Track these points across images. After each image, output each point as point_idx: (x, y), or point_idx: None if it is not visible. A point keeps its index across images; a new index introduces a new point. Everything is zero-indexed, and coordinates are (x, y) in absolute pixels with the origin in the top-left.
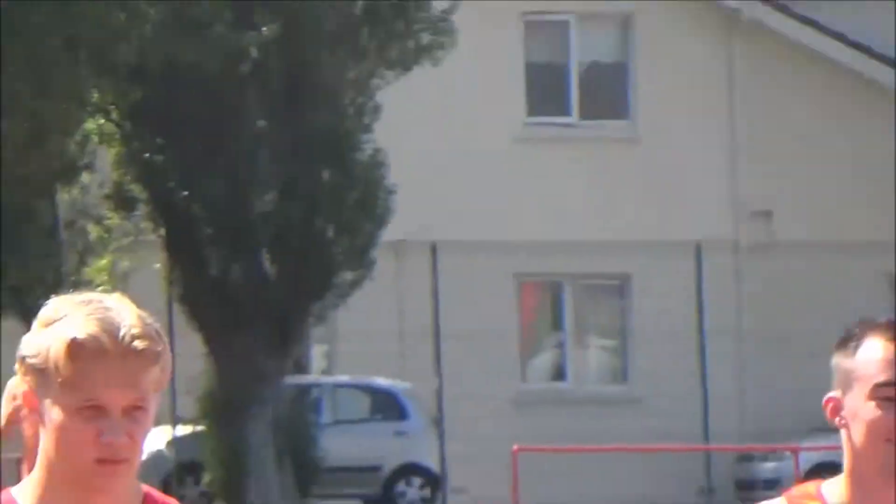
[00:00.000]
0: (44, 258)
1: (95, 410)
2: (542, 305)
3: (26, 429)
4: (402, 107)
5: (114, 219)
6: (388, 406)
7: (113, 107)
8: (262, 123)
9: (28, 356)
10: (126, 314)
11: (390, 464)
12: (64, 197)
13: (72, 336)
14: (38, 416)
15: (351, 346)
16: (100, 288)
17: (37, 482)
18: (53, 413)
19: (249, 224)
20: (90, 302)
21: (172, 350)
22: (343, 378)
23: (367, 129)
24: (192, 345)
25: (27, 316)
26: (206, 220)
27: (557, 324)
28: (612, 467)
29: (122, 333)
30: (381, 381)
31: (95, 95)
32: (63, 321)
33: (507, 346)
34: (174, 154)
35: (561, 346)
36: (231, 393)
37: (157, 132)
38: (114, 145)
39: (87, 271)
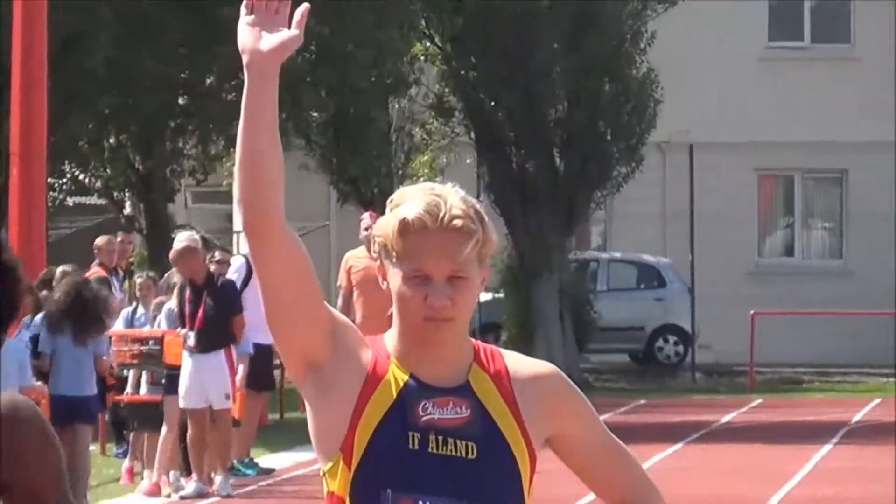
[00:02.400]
0: (378, 156)
1: (422, 278)
2: (776, 194)
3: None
4: (669, 32)
5: (434, 124)
6: (651, 277)
7: (437, 33)
8: (555, 46)
9: (376, 235)
10: (451, 198)
11: (652, 324)
12: (395, 106)
13: (402, 216)
14: (385, 284)
15: (622, 227)
16: (421, 180)
17: (394, 334)
18: (393, 281)
19: (544, 128)
20: (425, 189)
21: None
22: (616, 254)
23: (643, 51)
24: (495, 226)
25: (364, 202)
26: (509, 126)
27: (788, 209)
28: (831, 328)
29: (442, 213)
30: (647, 257)
31: (423, 24)
32: (402, 205)
33: (748, 227)
34: (485, 71)
35: (791, 227)
36: (525, 265)
37: (472, 53)
38: (436, 64)
39: (412, 166)
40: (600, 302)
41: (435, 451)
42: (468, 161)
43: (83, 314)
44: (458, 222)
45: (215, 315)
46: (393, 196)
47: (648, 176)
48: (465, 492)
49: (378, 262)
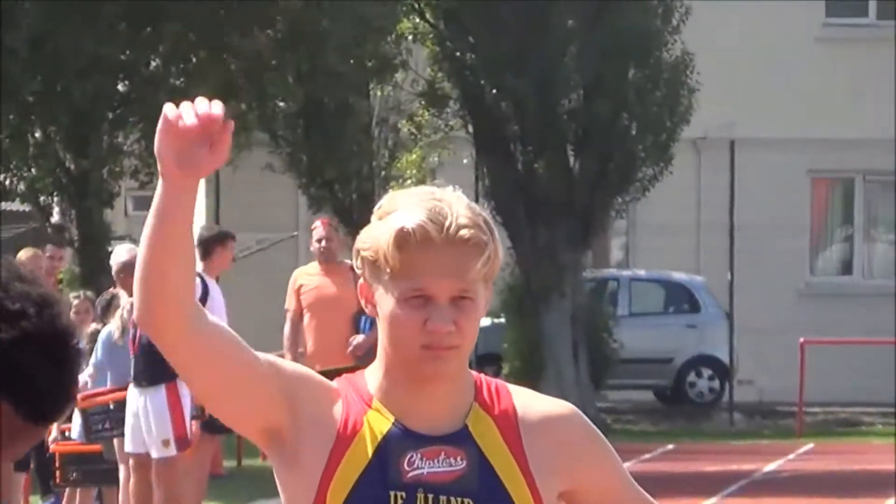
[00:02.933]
0: (358, 153)
1: (423, 299)
2: (833, 200)
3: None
4: (707, 7)
5: (425, 115)
6: (682, 299)
7: (428, 7)
8: (570, 23)
9: (362, 248)
10: (455, 204)
11: (682, 356)
12: (377, 94)
13: (399, 226)
14: (371, 307)
15: (648, 240)
16: (408, 182)
17: (378, 369)
18: (384, 303)
19: (556, 121)
20: (423, 193)
21: None
22: (640, 272)
23: (676, 30)
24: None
25: (340, 209)
26: (514, 118)
27: (847, 218)
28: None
29: (448, 222)
30: (677, 275)
31: None
32: (396, 213)
33: (798, 239)
34: (485, 53)
35: (850, 240)
36: (532, 285)
37: (470, 32)
38: (428, 44)
39: (398, 166)
40: (621, 329)
41: None
42: (465, 160)
43: None
44: (466, 233)
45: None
46: (381, 202)
47: (680, 178)
48: None
49: (361, 282)
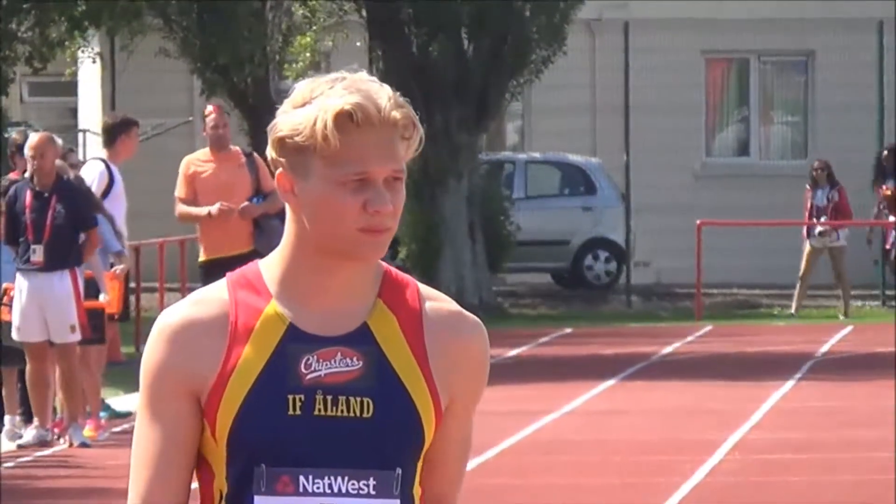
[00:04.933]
0: (252, 38)
1: (361, 182)
2: (728, 81)
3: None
4: None
5: None
6: (578, 181)
7: None
8: None
9: (286, 135)
10: (380, 87)
11: (579, 238)
12: None
13: (339, 107)
14: (291, 195)
15: (543, 122)
16: (300, 65)
17: (282, 258)
18: (314, 189)
19: (449, 3)
20: (343, 79)
21: None
22: (535, 154)
23: None
24: None
25: (234, 93)
26: (408, 0)
27: (743, 99)
28: (794, 241)
29: (382, 103)
30: (572, 157)
31: None
32: (321, 98)
33: (694, 121)
34: None
35: (746, 121)
36: (428, 167)
37: None
38: None
39: (291, 50)
40: (517, 212)
41: (322, 413)
42: (358, 44)
43: None
44: (398, 113)
45: (67, 225)
46: (296, 91)
47: (574, 60)
48: (354, 457)
49: (279, 171)
